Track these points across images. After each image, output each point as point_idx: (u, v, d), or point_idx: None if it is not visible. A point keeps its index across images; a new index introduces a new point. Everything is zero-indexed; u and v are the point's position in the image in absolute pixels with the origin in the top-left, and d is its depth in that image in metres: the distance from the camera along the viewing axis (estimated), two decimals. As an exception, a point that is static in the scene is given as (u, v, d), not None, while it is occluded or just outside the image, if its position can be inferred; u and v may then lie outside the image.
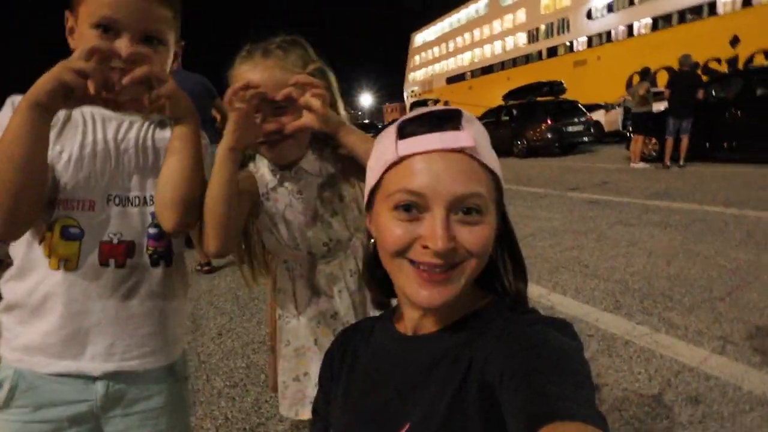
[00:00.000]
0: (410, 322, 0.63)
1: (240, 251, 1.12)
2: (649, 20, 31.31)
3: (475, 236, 0.54)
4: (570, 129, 11.53)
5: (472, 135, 0.53)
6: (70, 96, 0.69)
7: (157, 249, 0.86)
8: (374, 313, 1.05)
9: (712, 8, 27.40)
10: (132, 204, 0.84)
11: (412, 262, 0.55)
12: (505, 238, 0.62)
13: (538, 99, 12.75)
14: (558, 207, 5.52)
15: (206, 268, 3.99)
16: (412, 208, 0.54)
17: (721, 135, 7.83)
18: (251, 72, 0.92)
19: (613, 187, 6.57)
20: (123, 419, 0.87)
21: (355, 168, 0.97)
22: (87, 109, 0.82)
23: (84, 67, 0.67)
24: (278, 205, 1.03)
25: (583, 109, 11.99)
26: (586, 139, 11.76)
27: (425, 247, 0.53)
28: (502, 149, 12.48)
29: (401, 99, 73.36)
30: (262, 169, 1.04)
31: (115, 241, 0.82)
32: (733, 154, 7.90)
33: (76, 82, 0.67)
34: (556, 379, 0.43)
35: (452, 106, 0.60)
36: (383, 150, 0.58)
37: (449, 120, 0.55)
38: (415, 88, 63.56)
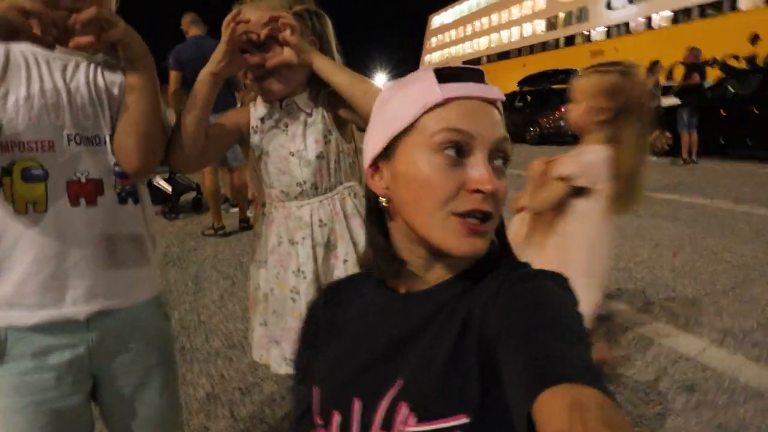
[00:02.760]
0: (409, 279, 0.61)
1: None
2: (669, 13, 30.59)
3: (503, 187, 0.54)
4: (584, 118, 11.35)
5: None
6: (12, 34, 0.65)
7: (124, 187, 0.85)
8: (337, 276, 1.05)
9: (733, 4, 26.70)
10: (93, 143, 0.82)
11: (456, 215, 0.52)
12: None
13: (553, 86, 12.53)
14: (566, 195, 5.46)
15: (221, 231, 4.06)
16: (461, 152, 0.52)
17: (737, 131, 7.66)
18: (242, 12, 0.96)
19: (623, 178, 6.48)
20: (118, 357, 0.87)
21: (349, 114, 1.04)
22: (28, 51, 0.79)
23: (30, 8, 0.64)
24: (264, 135, 1.06)
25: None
26: (599, 129, 11.60)
27: (474, 191, 0.51)
28: (515, 135, 12.25)
29: (414, 80, 72.19)
30: (258, 103, 1.09)
31: (83, 179, 0.80)
32: (749, 151, 7.77)
33: (21, 22, 0.64)
34: (556, 339, 0.43)
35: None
36: (420, 93, 0.54)
37: (481, 74, 0.56)
38: (429, 71, 62.58)
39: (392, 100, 0.58)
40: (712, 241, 3.56)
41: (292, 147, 1.04)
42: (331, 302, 0.68)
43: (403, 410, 0.51)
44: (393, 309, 0.60)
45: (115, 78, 0.85)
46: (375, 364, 0.57)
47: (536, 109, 11.96)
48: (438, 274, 0.59)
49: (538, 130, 11.78)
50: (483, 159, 0.52)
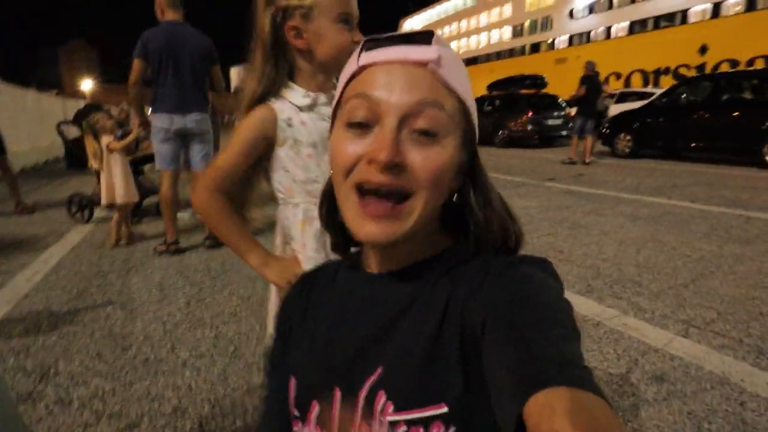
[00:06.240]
0: (374, 261, 0.57)
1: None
2: (626, 24, 32.17)
3: (427, 159, 0.47)
4: (550, 122, 11.69)
5: (438, 52, 0.48)
6: None
7: None
8: None
9: (684, 17, 28.46)
10: None
11: (358, 191, 0.49)
12: (477, 179, 0.54)
13: (521, 91, 12.83)
14: (535, 196, 5.59)
15: (173, 247, 3.54)
16: (366, 120, 0.48)
17: (690, 135, 8.15)
18: None
19: (588, 179, 6.70)
20: None
21: None
22: None
23: None
24: (303, 128, 0.99)
25: (563, 104, 12.15)
26: (564, 132, 11.91)
27: (370, 162, 0.47)
28: (483, 138, 12.31)
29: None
30: (290, 95, 1.00)
31: None
32: (700, 153, 8.23)
33: None
34: (548, 335, 0.41)
35: None
36: (347, 68, 0.54)
37: (420, 36, 0.50)
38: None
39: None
40: (672, 238, 3.70)
41: None
42: (305, 292, 0.64)
43: (382, 399, 0.49)
44: (368, 294, 0.57)
45: None
46: (354, 353, 0.54)
47: (504, 113, 12.22)
48: (399, 258, 0.55)
49: (506, 133, 12.03)
50: (388, 127, 0.47)
